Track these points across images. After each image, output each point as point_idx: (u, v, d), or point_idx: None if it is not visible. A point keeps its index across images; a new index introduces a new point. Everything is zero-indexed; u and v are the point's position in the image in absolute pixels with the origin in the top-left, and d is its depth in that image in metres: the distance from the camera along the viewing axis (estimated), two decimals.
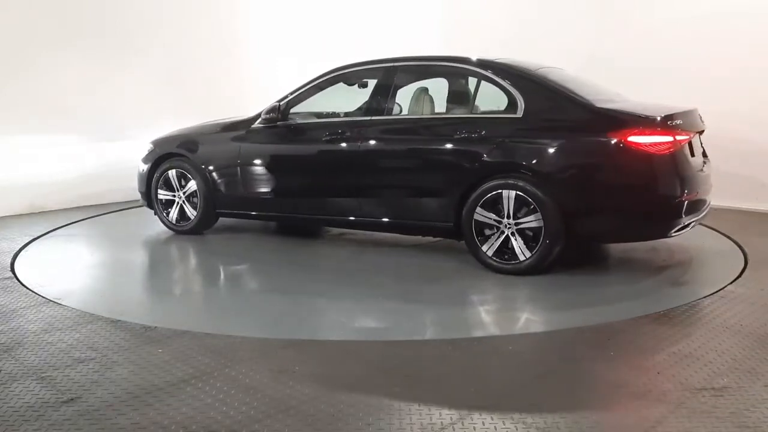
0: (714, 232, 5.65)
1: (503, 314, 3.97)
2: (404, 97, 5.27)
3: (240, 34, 8.87)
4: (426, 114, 5.12)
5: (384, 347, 3.40)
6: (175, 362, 3.12)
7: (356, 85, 5.41)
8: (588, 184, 4.35)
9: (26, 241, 5.68)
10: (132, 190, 7.37)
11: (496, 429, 2.49)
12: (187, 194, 5.82)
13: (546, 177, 4.34)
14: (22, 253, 5.33)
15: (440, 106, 5.17)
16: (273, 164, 5.47)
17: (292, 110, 5.44)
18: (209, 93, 8.21)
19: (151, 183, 5.98)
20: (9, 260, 5.06)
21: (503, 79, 4.67)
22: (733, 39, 6.58)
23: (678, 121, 4.31)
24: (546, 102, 4.51)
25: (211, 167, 5.66)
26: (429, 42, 8.29)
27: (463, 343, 3.48)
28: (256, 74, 8.68)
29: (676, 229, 4.35)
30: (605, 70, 6.52)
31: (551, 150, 4.37)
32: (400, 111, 5.27)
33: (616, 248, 5.13)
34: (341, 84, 5.42)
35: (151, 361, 3.14)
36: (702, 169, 4.62)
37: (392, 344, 3.43)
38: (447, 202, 4.65)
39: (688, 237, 4.95)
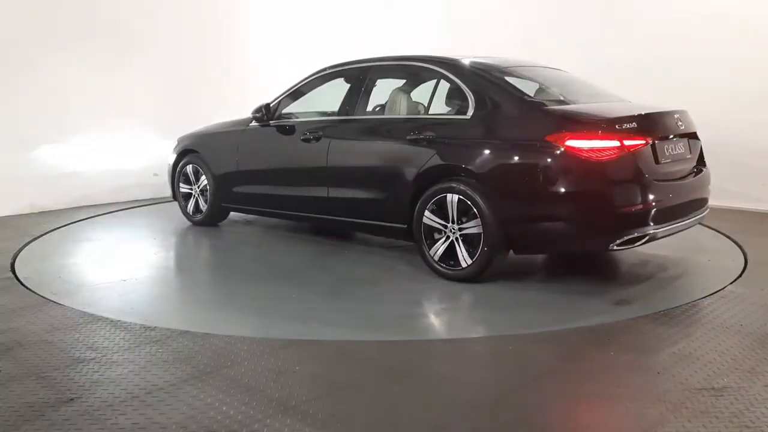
0: (714, 232, 5.65)
1: (503, 314, 3.96)
2: (384, 97, 5.24)
3: (240, 34, 8.87)
4: (395, 115, 5.01)
5: (384, 347, 3.40)
6: (175, 362, 3.12)
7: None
8: (523, 190, 4.09)
9: (26, 241, 5.67)
10: (131, 189, 7.76)
11: (495, 429, 2.49)
12: (200, 188, 6.15)
13: (484, 181, 4.18)
14: (22, 253, 5.32)
15: (412, 106, 5.10)
16: (259, 162, 5.71)
17: (287, 110, 5.58)
18: (209, 93, 8.21)
19: (174, 177, 6.36)
20: (9, 260, 5.05)
21: (459, 78, 4.57)
22: (732, 39, 6.58)
23: (631, 125, 3.98)
24: (492, 102, 4.37)
25: (216, 163, 5.97)
26: (429, 42, 8.27)
27: (463, 343, 3.49)
28: (256, 74, 8.67)
29: (619, 242, 3.93)
30: (605, 70, 6.53)
31: (489, 153, 4.21)
32: (373, 111, 5.31)
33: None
34: (329, 85, 5.46)
35: (151, 361, 3.14)
36: (687, 177, 4.37)
37: (392, 344, 3.43)
38: (401, 204, 4.60)
39: (688, 237, 4.94)
